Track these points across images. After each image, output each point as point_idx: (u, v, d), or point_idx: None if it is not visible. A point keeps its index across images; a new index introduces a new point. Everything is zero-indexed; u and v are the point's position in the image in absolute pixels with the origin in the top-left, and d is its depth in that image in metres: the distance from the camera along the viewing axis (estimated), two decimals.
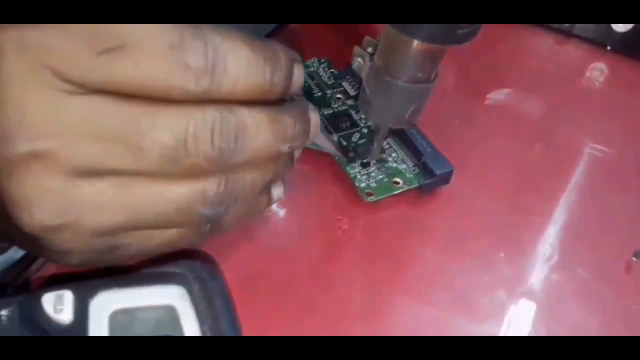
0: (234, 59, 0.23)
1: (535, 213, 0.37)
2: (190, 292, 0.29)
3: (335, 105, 0.40)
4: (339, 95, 0.41)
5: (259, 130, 0.24)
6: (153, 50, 0.22)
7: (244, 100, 0.24)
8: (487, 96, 0.44)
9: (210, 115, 0.23)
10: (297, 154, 0.29)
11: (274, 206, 0.34)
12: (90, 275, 0.30)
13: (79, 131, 0.22)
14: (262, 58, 0.24)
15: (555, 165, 0.40)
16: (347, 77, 0.41)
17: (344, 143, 0.38)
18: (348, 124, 0.39)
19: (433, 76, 0.31)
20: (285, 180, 0.29)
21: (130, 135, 0.22)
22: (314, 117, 0.28)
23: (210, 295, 0.30)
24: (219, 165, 0.24)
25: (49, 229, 0.23)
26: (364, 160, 0.37)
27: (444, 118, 0.41)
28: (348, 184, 0.37)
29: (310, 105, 0.28)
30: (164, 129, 0.22)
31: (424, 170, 0.37)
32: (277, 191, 0.29)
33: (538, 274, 0.35)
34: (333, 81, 0.41)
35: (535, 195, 0.38)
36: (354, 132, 0.39)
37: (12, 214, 0.23)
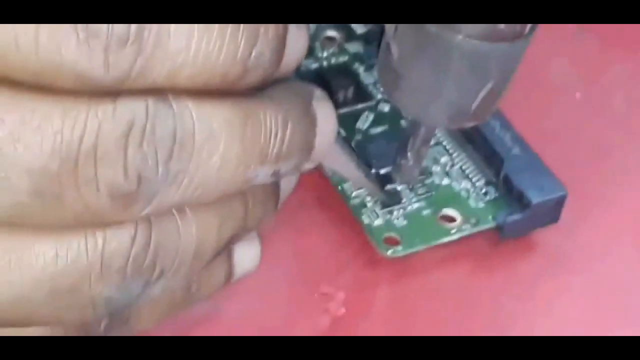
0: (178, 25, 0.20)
1: None
2: None
3: (325, 54, 0.31)
4: (331, 34, 0.32)
5: (216, 142, 0.21)
6: None
7: (194, 91, 0.21)
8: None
9: (124, 112, 0.20)
10: (287, 187, 0.24)
11: None
12: None
13: None
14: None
15: None
16: None
17: (341, 133, 0.29)
18: (350, 91, 0.30)
19: (528, 28, 0.24)
20: (260, 234, 0.24)
21: None
22: (325, 116, 0.23)
23: None
24: (136, 206, 0.20)
25: None
26: (388, 185, 0.28)
27: (537, 96, 0.32)
28: (349, 221, 0.28)
29: (317, 92, 0.23)
30: (35, 137, 0.19)
31: (507, 192, 0.28)
32: (248, 256, 0.24)
33: None
34: None
35: None
36: (362, 110, 0.30)
37: None
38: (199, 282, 0.24)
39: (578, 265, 0.28)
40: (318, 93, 0.23)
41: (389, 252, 0.26)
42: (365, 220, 0.27)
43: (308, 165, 0.23)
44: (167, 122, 0.20)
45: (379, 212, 0.27)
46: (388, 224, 0.27)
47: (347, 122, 0.29)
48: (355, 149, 0.28)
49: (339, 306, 0.26)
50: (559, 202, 0.27)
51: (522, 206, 0.27)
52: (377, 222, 0.27)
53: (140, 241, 0.21)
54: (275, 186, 0.23)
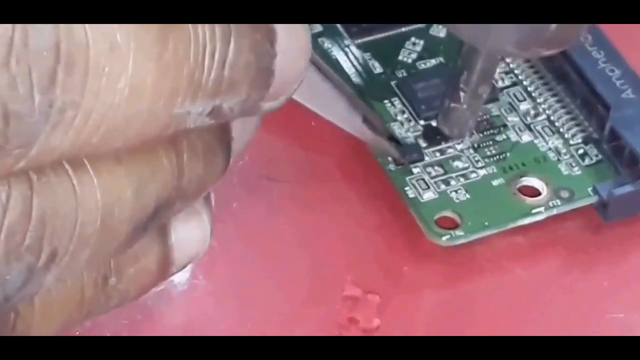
0: None
1: None
2: None
3: None
4: None
5: (122, 60, 0.18)
6: None
7: None
8: None
9: None
10: (243, 135, 0.21)
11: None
12: None
13: None
14: None
15: None
16: None
17: (374, 68, 0.25)
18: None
19: None
20: (210, 204, 0.21)
21: None
22: (290, 28, 0.19)
23: None
24: (5, 155, 0.17)
25: None
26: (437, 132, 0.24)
27: None
28: (388, 194, 0.24)
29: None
30: None
31: (614, 154, 0.24)
32: (192, 236, 0.21)
33: None
34: None
35: None
36: (406, 35, 0.26)
37: None
38: (120, 272, 0.20)
39: None
40: None
41: (444, 239, 0.23)
42: (411, 193, 0.23)
43: (270, 104, 0.19)
44: (45, 31, 0.17)
45: (430, 181, 0.23)
46: (443, 199, 0.23)
47: (385, 53, 0.25)
48: (397, 89, 0.25)
49: (370, 316, 0.22)
50: None
51: (636, 173, 0.24)
52: (427, 195, 0.23)
53: (16, 209, 0.18)
54: (222, 131, 0.20)
